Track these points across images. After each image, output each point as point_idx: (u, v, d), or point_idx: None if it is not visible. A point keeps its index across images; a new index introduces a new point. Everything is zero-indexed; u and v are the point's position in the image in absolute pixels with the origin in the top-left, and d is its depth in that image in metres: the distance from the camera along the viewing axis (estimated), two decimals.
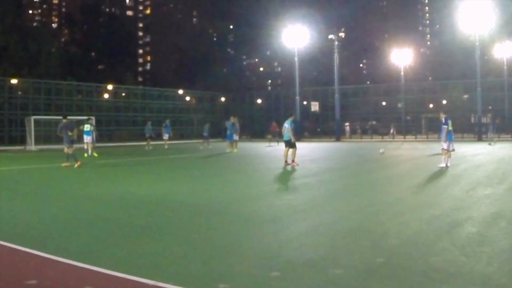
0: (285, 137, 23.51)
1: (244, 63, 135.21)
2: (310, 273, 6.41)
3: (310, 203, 12.52)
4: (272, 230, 9.13)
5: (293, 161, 22.87)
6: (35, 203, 13.00)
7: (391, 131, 62.37)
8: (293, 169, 21.52)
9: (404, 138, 60.77)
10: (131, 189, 15.54)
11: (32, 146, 45.80)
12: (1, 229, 9.41)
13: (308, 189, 15.56)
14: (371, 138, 63.23)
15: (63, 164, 23.63)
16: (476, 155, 29.12)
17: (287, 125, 23.51)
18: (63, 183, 18.35)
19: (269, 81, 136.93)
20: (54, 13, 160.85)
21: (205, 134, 44.41)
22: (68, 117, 26.86)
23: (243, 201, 12.82)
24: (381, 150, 31.36)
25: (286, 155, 23.26)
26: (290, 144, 23.20)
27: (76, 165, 23.37)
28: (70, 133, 23.88)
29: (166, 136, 44.78)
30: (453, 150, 21.54)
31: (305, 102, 70.22)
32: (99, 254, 7.48)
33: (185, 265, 6.85)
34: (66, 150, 24.09)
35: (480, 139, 48.95)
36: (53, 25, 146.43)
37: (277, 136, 46.02)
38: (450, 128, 21.13)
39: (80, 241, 8.46)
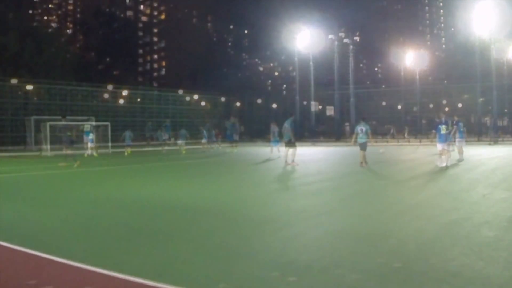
0: (285, 137, 23.48)
1: (259, 67, 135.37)
2: (326, 278, 6.42)
3: (326, 207, 12.50)
4: (289, 235, 9.12)
5: (293, 161, 22.87)
6: (38, 205, 13.19)
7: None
8: (294, 170, 21.51)
9: (420, 141, 60.41)
10: (135, 192, 15.63)
11: (48, 152, 45.99)
12: (4, 231, 9.57)
13: (324, 193, 15.54)
14: (387, 142, 62.93)
15: (60, 164, 23.65)
16: (492, 158, 28.84)
17: (287, 125, 23.48)
18: (73, 186, 18.42)
19: (284, 85, 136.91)
20: (69, 19, 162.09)
21: (205, 135, 44.71)
22: (67, 117, 26.96)
23: (244, 202, 12.93)
24: (381, 150, 31.40)
25: (286, 155, 23.33)
26: (290, 144, 23.21)
27: (75, 165, 23.45)
28: (69, 133, 23.98)
29: (166, 136, 44.17)
30: (453, 150, 21.85)
31: (320, 107, 70.16)
32: (102, 256, 7.59)
33: (188, 266, 6.93)
34: (64, 150, 24.21)
35: (496, 142, 48.56)
36: (67, 31, 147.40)
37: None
38: (443, 132, 21.39)
39: (83, 242, 8.59)
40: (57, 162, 24.28)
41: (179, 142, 44.04)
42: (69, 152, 24.00)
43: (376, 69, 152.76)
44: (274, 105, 78.32)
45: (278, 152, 34.31)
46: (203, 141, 43.95)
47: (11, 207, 12.73)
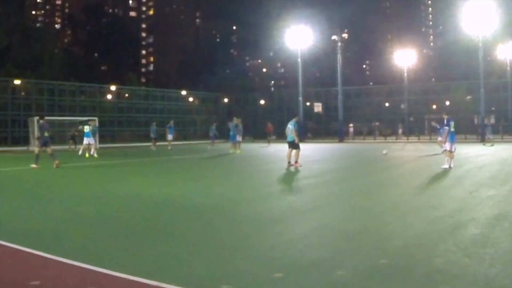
0: (289, 138, 23.28)
1: (247, 64, 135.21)
2: (313, 273, 6.42)
3: (314, 203, 12.49)
4: (275, 231, 9.12)
5: (296, 162, 22.72)
6: (38, 203, 12.96)
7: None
8: (297, 170, 21.48)
9: (407, 139, 60.57)
10: (134, 190, 15.51)
11: (35, 147, 45.76)
12: (4, 230, 9.43)
13: (312, 189, 15.53)
14: (374, 139, 63.05)
15: (55, 164, 23.35)
16: (479, 156, 28.98)
17: (290, 126, 23.26)
18: (66, 183, 18.33)
19: (272, 82, 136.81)
20: (57, 13, 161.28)
21: (211, 134, 44.86)
22: (46, 117, 26.57)
23: (246, 202, 12.79)
24: (384, 151, 31.24)
25: (289, 156, 23.13)
26: (293, 145, 23.04)
27: (34, 166, 23.13)
28: (46, 134, 23.62)
29: (169, 137, 45.00)
30: (454, 150, 21.47)
31: (308, 103, 70.15)
32: (102, 255, 7.49)
33: (188, 266, 6.86)
34: (36, 150, 23.90)
35: (483, 140, 48.72)
36: (56, 26, 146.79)
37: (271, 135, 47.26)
38: (452, 129, 21.11)
39: (84, 241, 8.47)
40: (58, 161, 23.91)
41: (152, 136, 44.50)
42: (49, 151, 23.63)
43: (364, 66, 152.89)
44: (275, 105, 78.00)
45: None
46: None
47: (10, 206, 12.62)
